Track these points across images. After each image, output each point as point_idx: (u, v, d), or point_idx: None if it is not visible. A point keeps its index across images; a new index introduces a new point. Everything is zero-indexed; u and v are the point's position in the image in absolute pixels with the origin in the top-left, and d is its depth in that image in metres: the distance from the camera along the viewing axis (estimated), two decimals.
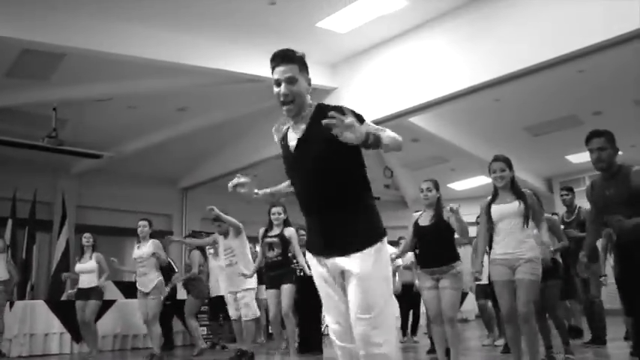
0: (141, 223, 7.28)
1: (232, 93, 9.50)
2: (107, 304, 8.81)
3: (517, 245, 4.33)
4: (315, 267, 2.59)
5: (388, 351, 2.37)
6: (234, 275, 6.71)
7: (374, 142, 2.23)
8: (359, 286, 2.39)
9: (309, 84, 2.55)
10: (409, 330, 9.05)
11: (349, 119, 2.16)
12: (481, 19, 7.83)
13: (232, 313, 6.89)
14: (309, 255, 2.64)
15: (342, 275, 2.47)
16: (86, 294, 7.52)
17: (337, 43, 8.66)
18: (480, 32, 7.83)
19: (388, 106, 8.80)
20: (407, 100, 8.62)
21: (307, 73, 2.56)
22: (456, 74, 8.02)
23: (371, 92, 9.01)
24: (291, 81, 2.47)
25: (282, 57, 2.50)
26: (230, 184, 2.69)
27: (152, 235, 7.33)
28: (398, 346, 2.44)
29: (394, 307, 2.49)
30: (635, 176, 3.59)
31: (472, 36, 7.90)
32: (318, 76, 9.20)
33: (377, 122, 9.50)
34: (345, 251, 2.42)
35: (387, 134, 2.33)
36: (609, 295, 7.80)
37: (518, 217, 4.37)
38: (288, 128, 2.63)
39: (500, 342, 7.01)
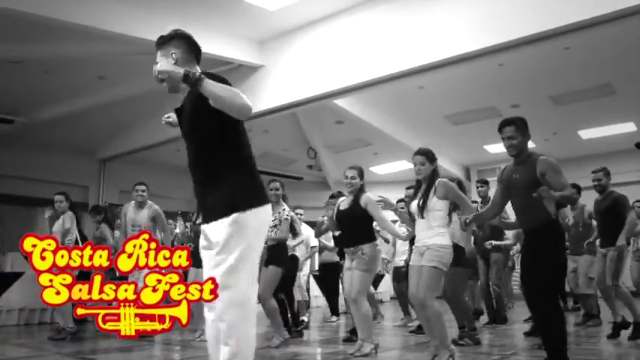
0: (57, 197, 6.89)
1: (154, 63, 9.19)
2: (14, 277, 8.41)
3: (423, 234, 4.49)
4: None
5: (234, 341, 2.35)
6: None
7: (193, 81, 2.34)
8: (213, 258, 2.40)
9: (176, 57, 2.65)
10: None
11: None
12: (408, 6, 7.95)
13: None
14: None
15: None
16: None
17: (266, 20, 8.53)
18: (406, 19, 7.95)
19: (313, 87, 8.83)
20: (332, 83, 8.67)
21: (175, 48, 2.66)
22: (381, 59, 8.12)
23: (297, 72, 9.00)
24: (156, 63, 2.64)
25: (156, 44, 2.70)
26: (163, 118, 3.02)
27: (70, 209, 7.03)
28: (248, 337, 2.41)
29: (249, 287, 2.42)
30: (540, 164, 3.87)
31: (398, 22, 8.01)
32: (244, 53, 9.08)
33: (301, 103, 9.51)
34: (206, 219, 2.49)
35: (216, 88, 2.35)
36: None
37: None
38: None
39: (414, 324, 7.18)
